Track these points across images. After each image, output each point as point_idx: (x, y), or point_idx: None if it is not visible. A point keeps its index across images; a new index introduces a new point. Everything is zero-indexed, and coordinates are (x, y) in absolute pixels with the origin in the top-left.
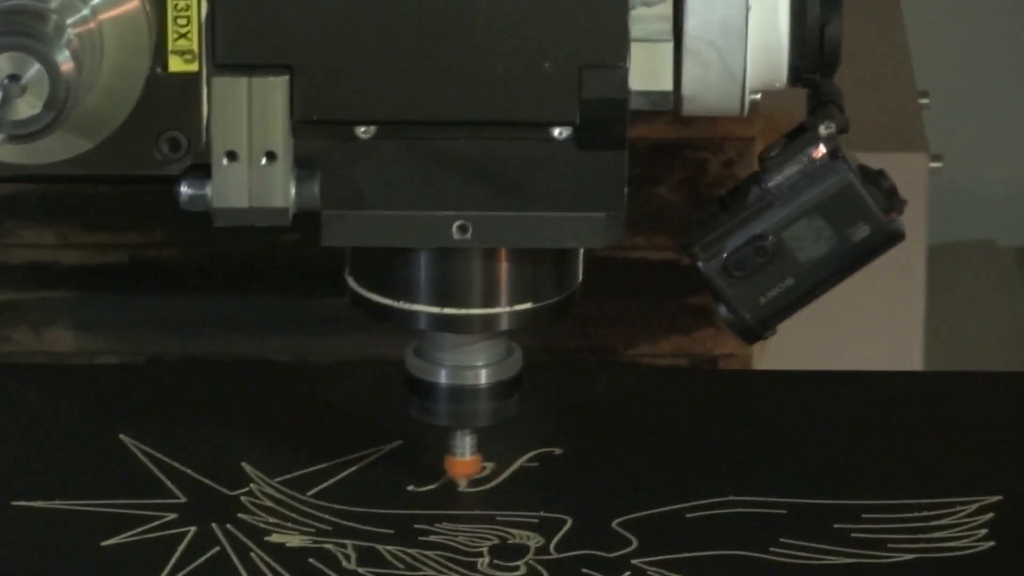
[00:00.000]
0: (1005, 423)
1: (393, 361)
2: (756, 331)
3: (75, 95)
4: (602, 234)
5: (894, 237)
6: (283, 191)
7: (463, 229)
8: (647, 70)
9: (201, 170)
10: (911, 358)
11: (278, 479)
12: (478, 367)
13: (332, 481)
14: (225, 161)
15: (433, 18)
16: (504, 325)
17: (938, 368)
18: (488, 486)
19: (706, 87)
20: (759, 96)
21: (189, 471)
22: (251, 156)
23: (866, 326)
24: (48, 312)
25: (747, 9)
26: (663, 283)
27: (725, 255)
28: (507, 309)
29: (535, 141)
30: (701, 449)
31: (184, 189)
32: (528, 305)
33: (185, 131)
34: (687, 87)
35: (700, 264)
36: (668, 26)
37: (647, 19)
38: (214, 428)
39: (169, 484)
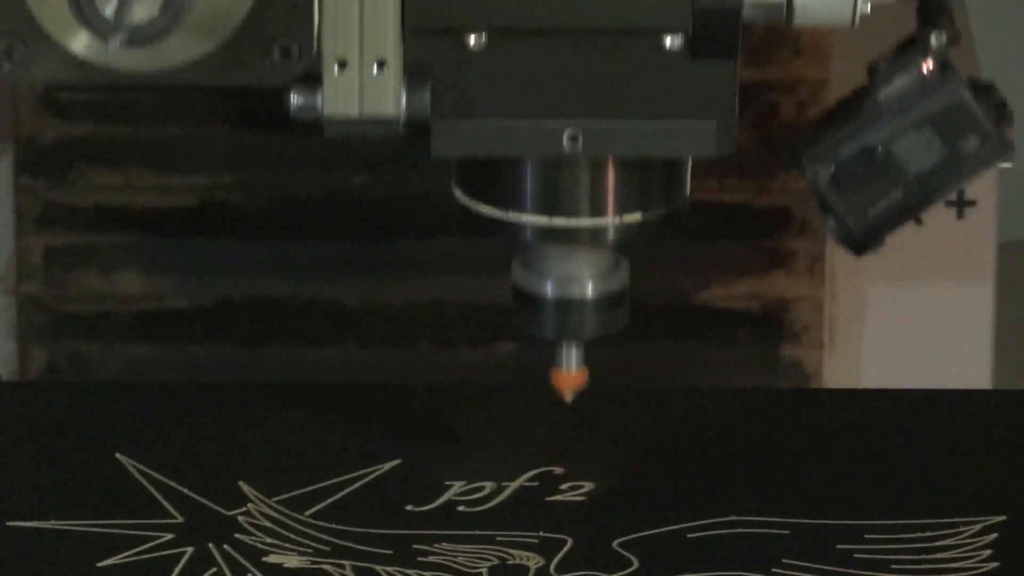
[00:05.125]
0: (1007, 442)
1: (461, 304)
2: (864, 243)
3: None
4: (713, 143)
5: (1004, 150)
6: (394, 99)
7: (574, 138)
8: None
9: (312, 78)
10: (980, 353)
11: (276, 499)
12: (585, 278)
13: (330, 501)
14: (336, 69)
15: None
16: (612, 237)
17: (1009, 369)
18: (488, 506)
19: None
20: (869, 8)
21: (186, 490)
22: (362, 64)
23: (934, 322)
24: (117, 255)
25: None
26: (735, 225)
27: (834, 166)
28: (616, 220)
29: (646, 49)
30: (702, 468)
31: (294, 98)
32: (637, 216)
33: (297, 39)
34: None
35: (809, 175)
36: None
37: None
38: (211, 447)
39: (166, 504)
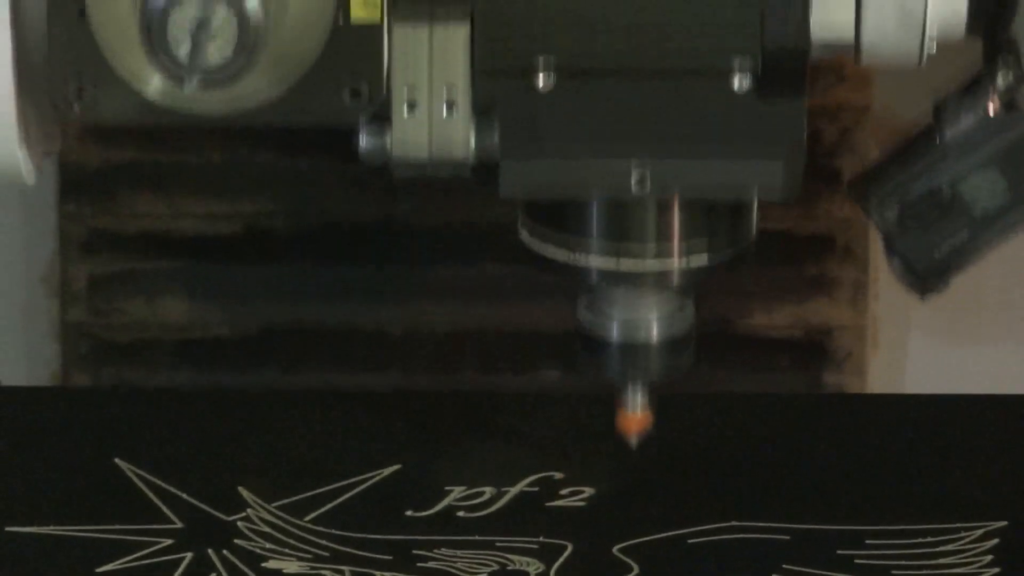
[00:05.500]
0: (1009, 448)
1: (488, 333)
2: (930, 284)
3: (263, 40)
4: (780, 184)
5: None
6: (463, 141)
7: (641, 178)
8: (828, 18)
9: (380, 120)
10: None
11: (275, 504)
12: (650, 321)
13: (330, 506)
14: (405, 110)
15: None
16: (678, 280)
17: None
18: (488, 511)
19: (886, 36)
20: (935, 47)
21: (185, 496)
22: (431, 105)
23: (978, 350)
24: (161, 282)
25: None
26: (778, 252)
27: (901, 207)
28: (682, 263)
29: (714, 88)
30: (703, 474)
31: (364, 139)
32: (703, 259)
33: (367, 80)
34: (867, 35)
35: (875, 216)
36: None
37: None
38: (210, 452)
39: (165, 509)
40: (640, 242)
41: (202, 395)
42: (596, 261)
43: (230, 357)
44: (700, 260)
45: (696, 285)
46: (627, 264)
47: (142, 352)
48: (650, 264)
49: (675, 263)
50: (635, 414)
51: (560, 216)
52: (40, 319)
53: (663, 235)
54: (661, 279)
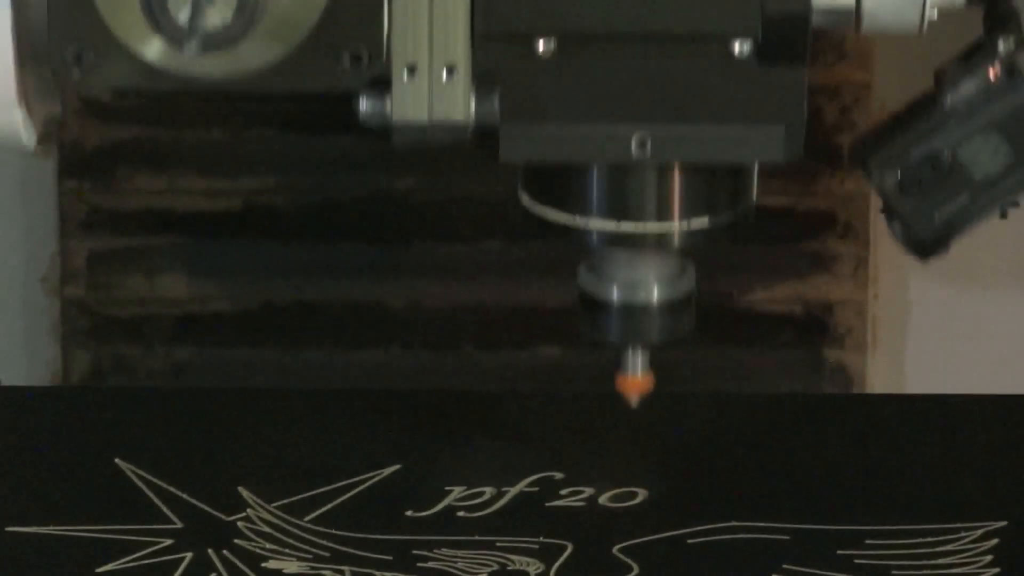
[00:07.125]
0: (1009, 447)
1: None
2: (930, 247)
3: (263, 4)
4: (780, 148)
5: None
6: (463, 105)
7: (642, 143)
8: None
9: (381, 85)
10: (1022, 351)
11: (275, 504)
12: (650, 283)
13: (330, 506)
14: (405, 75)
15: None
16: (678, 242)
17: None
18: (488, 511)
19: (886, 2)
20: (936, 13)
21: (185, 496)
22: (431, 70)
23: (977, 321)
24: (161, 258)
25: None
26: (779, 229)
27: (901, 171)
28: (682, 225)
29: (715, 55)
30: (703, 474)
31: (364, 104)
32: (704, 221)
33: (367, 45)
34: (868, 2)
35: (875, 179)
36: None
37: None
38: (210, 452)
39: (165, 509)
40: (640, 204)
41: (202, 395)
42: (596, 224)
43: (231, 333)
44: (700, 223)
45: (697, 249)
46: (627, 226)
47: (142, 327)
48: (650, 226)
49: (675, 225)
50: (635, 377)
51: (560, 179)
52: (40, 320)
53: (663, 197)
54: (661, 241)
